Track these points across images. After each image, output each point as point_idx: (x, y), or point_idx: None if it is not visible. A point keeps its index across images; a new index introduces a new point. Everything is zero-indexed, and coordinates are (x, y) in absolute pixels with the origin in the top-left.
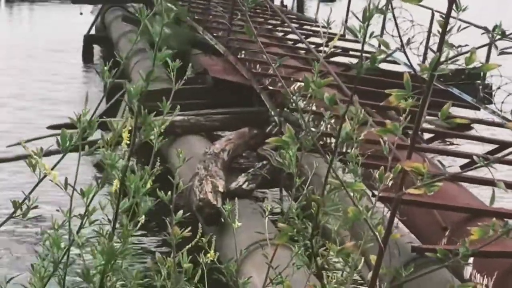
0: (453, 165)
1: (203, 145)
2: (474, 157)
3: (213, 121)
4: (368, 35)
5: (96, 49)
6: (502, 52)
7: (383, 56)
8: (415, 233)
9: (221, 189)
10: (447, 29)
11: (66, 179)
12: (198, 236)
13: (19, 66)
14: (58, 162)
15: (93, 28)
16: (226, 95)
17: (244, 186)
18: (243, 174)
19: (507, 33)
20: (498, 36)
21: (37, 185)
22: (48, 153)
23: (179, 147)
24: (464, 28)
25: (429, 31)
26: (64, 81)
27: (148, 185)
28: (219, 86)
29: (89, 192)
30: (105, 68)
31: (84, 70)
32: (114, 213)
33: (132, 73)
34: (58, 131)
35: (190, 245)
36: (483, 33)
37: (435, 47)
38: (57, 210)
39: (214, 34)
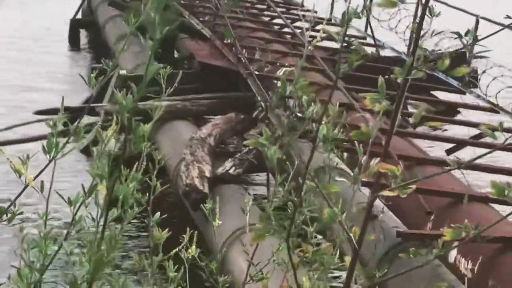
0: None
1: (190, 130)
2: (447, 159)
3: (199, 106)
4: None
5: (83, 33)
6: (475, 56)
7: (360, 61)
8: (400, 218)
9: (207, 174)
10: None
11: (42, 182)
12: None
13: (2, 53)
14: (43, 169)
15: (80, 12)
16: (213, 80)
17: (231, 171)
18: (229, 159)
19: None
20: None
21: (22, 191)
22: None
23: (166, 132)
24: (438, 33)
25: (415, 15)
26: (51, 66)
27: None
28: (206, 71)
29: (76, 201)
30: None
31: (71, 55)
32: (104, 222)
33: (119, 58)
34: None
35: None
36: (456, 38)
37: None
38: (35, 213)
39: (201, 19)
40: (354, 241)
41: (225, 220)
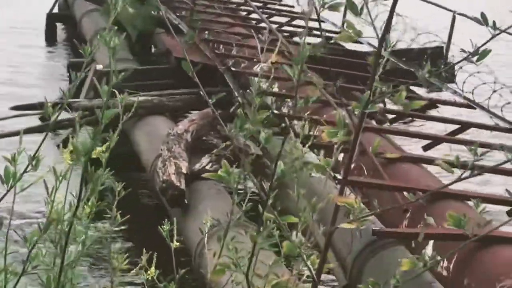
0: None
1: (167, 125)
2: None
3: (176, 101)
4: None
5: (60, 27)
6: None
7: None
8: (377, 214)
9: (184, 170)
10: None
11: (1, 218)
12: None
13: None
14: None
15: (56, 6)
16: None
17: (207, 167)
18: (206, 155)
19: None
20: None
21: (1, 198)
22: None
23: (143, 128)
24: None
25: (392, 10)
26: (28, 61)
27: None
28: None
29: (32, 238)
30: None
31: (47, 50)
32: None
33: (95, 52)
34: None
35: None
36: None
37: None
38: None
39: (177, 14)
40: (312, 274)
41: (202, 217)
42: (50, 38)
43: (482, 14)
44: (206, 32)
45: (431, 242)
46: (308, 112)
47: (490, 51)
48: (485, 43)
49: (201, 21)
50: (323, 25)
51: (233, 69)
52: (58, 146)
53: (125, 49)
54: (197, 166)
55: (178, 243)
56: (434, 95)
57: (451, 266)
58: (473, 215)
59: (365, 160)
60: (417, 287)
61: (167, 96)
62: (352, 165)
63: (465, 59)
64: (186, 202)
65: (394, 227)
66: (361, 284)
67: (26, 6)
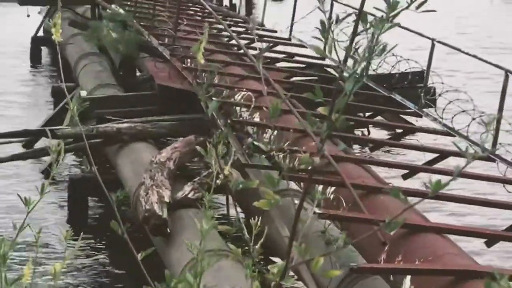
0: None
1: (150, 152)
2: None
3: (160, 128)
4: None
5: (44, 51)
6: None
7: None
8: (356, 246)
9: (166, 199)
10: None
11: None
12: None
13: None
14: None
15: (41, 29)
16: (173, 101)
17: (190, 196)
18: (189, 183)
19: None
20: None
21: None
22: None
23: (127, 155)
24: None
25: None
26: (12, 84)
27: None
28: (165, 92)
29: None
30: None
31: (32, 73)
32: None
33: (79, 77)
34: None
35: None
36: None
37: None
38: None
39: (160, 42)
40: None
41: (184, 246)
42: (35, 61)
43: None
44: (188, 60)
45: (409, 276)
46: (287, 143)
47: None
48: None
49: (183, 48)
50: (307, 51)
51: (213, 99)
52: (42, 172)
53: (109, 74)
54: (180, 194)
55: None
56: (413, 121)
57: None
58: (453, 249)
59: (343, 192)
60: None
61: (150, 123)
62: (331, 197)
63: None
64: (168, 231)
65: (373, 258)
66: None
67: (11, 28)
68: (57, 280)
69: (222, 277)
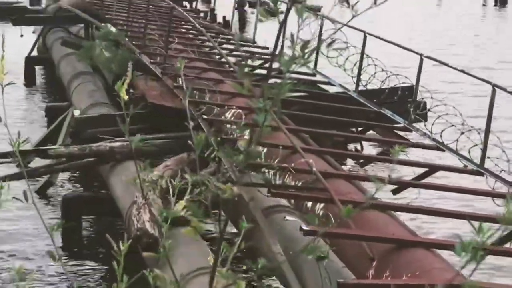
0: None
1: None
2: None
3: (152, 146)
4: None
5: (38, 71)
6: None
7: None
8: (345, 262)
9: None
10: None
11: None
12: None
13: None
14: None
15: (35, 49)
16: (165, 119)
17: (182, 214)
18: (180, 202)
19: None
20: None
21: None
22: None
23: (119, 174)
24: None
25: (362, 53)
26: (6, 104)
27: None
28: (157, 110)
29: None
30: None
31: (26, 92)
32: None
33: (73, 96)
34: None
35: None
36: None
37: (369, 69)
38: None
39: (151, 61)
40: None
41: (177, 263)
42: (29, 81)
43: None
44: (180, 78)
45: None
46: (277, 159)
47: None
48: None
49: (174, 67)
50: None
51: (204, 117)
52: (36, 192)
53: (102, 93)
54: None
55: None
56: (404, 135)
57: None
58: (441, 264)
59: (331, 208)
60: None
61: (143, 141)
62: (320, 213)
63: None
64: (161, 250)
65: (361, 274)
66: None
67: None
68: None
69: None
